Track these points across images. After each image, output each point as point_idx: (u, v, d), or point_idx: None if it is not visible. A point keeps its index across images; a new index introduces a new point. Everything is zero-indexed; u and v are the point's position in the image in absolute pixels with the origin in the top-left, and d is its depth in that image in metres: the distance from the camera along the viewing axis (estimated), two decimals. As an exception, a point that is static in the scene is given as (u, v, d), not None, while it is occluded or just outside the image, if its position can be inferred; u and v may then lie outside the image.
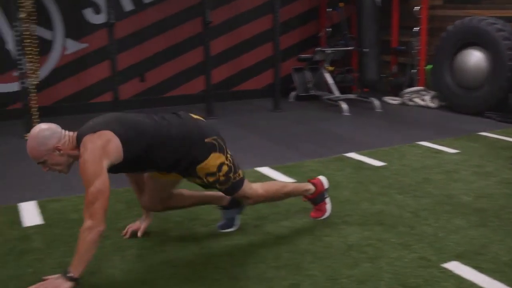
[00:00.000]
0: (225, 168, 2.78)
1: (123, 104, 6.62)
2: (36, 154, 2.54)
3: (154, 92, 7.91)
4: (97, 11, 7.37)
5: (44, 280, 2.47)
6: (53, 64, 7.28)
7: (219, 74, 7.87)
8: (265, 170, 4.47)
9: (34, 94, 6.07)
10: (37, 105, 6.08)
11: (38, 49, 6.18)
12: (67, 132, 2.63)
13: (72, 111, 7.12)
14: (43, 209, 3.63)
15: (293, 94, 8.39)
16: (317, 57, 7.85)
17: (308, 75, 8.30)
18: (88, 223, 2.37)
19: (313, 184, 3.29)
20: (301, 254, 2.86)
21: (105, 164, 2.46)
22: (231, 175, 2.81)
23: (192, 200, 3.16)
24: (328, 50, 7.84)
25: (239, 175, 2.87)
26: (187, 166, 2.72)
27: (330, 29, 8.51)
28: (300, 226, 3.27)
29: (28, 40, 6.04)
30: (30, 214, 3.56)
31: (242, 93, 8.49)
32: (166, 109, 7.49)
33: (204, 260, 2.82)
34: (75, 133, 2.62)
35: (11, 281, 2.63)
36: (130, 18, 7.55)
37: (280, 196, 3.18)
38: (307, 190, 3.26)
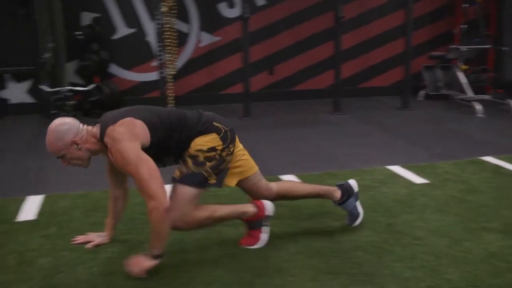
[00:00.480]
0: (212, 154, 2.67)
1: (252, 96, 6.80)
2: (54, 148, 2.55)
3: (282, 85, 8.04)
4: (231, 5, 7.61)
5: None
6: (188, 55, 7.65)
7: (347, 69, 7.82)
8: (396, 169, 4.39)
9: (171, 84, 6.43)
10: (173, 94, 6.44)
11: (176, 41, 6.53)
12: (85, 126, 2.62)
13: (204, 101, 7.43)
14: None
15: (422, 92, 8.13)
16: (451, 55, 7.54)
17: (439, 73, 7.99)
18: (151, 204, 2.42)
19: (256, 206, 2.91)
20: (438, 257, 2.78)
21: (139, 146, 2.48)
22: (207, 165, 2.66)
23: (303, 192, 3.14)
24: (463, 48, 7.49)
25: (211, 177, 2.69)
26: (187, 140, 2.67)
27: (465, 26, 8.11)
28: (435, 228, 3.17)
29: (168, 33, 6.41)
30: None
31: (369, 90, 8.38)
32: (294, 103, 7.61)
33: (338, 254, 2.84)
34: (95, 127, 2.61)
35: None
36: (262, 12, 7.72)
37: (212, 222, 2.80)
38: (245, 213, 2.88)
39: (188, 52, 7.63)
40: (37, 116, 6.99)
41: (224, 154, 2.72)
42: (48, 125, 2.60)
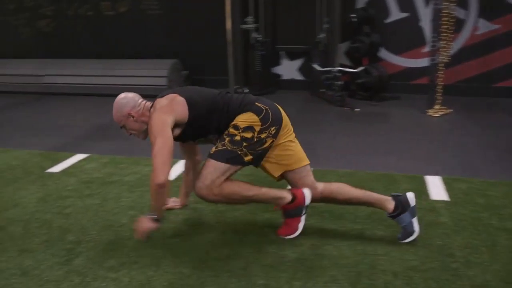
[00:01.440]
0: (249, 134, 2.69)
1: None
2: (115, 118, 2.83)
3: None
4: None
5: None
6: (462, 43, 7.20)
7: None
8: None
9: (442, 71, 6.15)
10: (442, 83, 6.15)
11: (452, 28, 6.19)
12: (144, 101, 2.84)
13: (472, 93, 6.97)
14: (448, 186, 3.65)
15: None
16: None
17: None
18: (152, 174, 2.59)
19: (293, 194, 2.82)
20: None
21: (170, 120, 2.66)
22: (244, 145, 2.68)
23: (351, 196, 2.88)
24: None
25: (247, 156, 2.70)
26: (227, 119, 2.75)
27: None
28: None
29: (445, 19, 6.10)
30: (436, 188, 3.63)
31: None
32: None
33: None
34: (150, 102, 2.83)
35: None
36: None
37: (242, 200, 2.80)
38: (281, 198, 2.81)
39: (462, 39, 7.18)
40: (305, 93, 7.39)
41: (263, 135, 2.71)
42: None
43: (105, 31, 8.29)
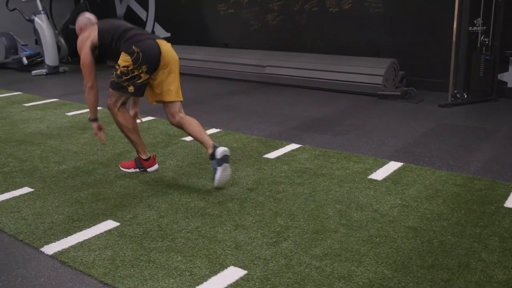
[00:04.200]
0: (125, 70, 3.67)
1: None
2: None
3: None
4: None
5: None
6: None
7: None
8: None
9: None
10: None
11: None
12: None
13: None
14: None
15: None
16: None
17: None
18: (84, 83, 3.78)
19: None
20: None
21: (88, 42, 3.75)
22: (123, 78, 3.70)
23: (192, 133, 3.80)
24: None
25: (129, 87, 3.73)
26: (117, 52, 3.74)
27: None
28: None
29: None
30: None
31: None
32: None
33: None
34: None
35: None
36: None
37: (125, 134, 4.03)
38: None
39: None
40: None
41: (136, 72, 3.65)
42: None
43: (328, 27, 8.53)
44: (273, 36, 9.21)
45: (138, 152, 4.07)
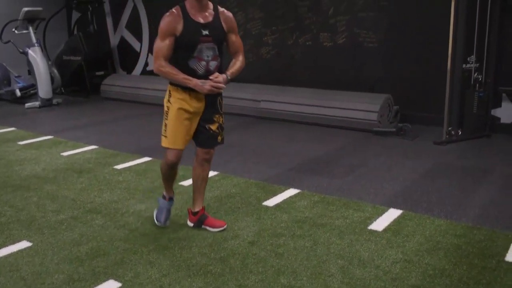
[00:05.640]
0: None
1: None
2: None
3: None
4: None
5: None
6: None
7: None
8: None
9: None
10: None
11: None
12: None
13: None
14: None
15: None
16: None
17: None
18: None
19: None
20: None
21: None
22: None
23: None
24: None
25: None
26: None
27: None
28: None
29: None
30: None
31: None
32: None
33: None
34: None
35: None
36: None
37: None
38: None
39: None
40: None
41: None
42: None
43: (322, 61, 8.60)
44: (267, 69, 9.27)
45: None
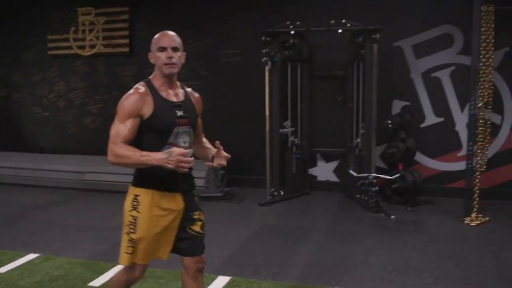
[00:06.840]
0: None
1: None
2: (178, 41, 2.92)
3: None
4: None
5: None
6: (497, 148, 7.25)
7: None
8: None
9: (478, 175, 6.15)
10: (479, 187, 6.14)
11: (488, 134, 6.26)
12: None
13: (509, 197, 6.96)
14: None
15: None
16: None
17: None
18: None
19: None
20: None
21: None
22: None
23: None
24: None
25: None
26: None
27: None
28: None
29: (481, 126, 6.18)
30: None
31: None
32: None
33: None
34: None
35: None
36: None
37: None
38: None
39: (497, 144, 7.23)
40: (339, 195, 7.48)
41: None
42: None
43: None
44: (93, 139, 9.01)
45: None
